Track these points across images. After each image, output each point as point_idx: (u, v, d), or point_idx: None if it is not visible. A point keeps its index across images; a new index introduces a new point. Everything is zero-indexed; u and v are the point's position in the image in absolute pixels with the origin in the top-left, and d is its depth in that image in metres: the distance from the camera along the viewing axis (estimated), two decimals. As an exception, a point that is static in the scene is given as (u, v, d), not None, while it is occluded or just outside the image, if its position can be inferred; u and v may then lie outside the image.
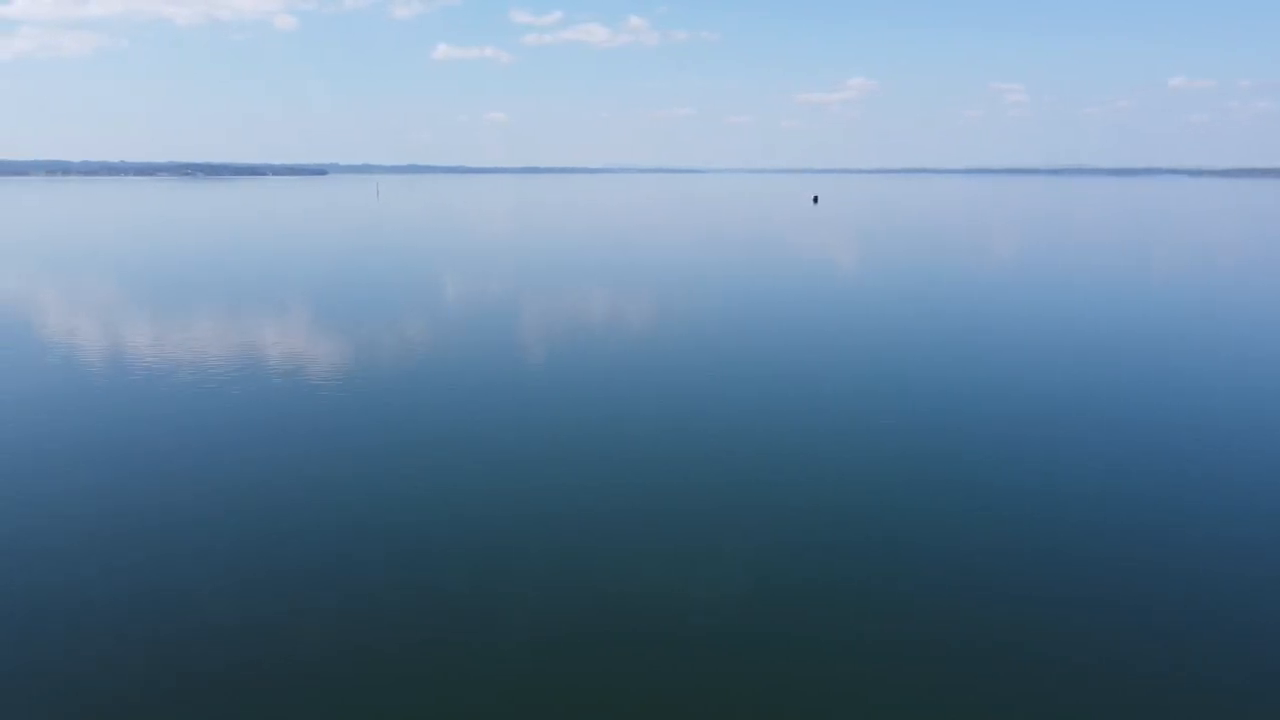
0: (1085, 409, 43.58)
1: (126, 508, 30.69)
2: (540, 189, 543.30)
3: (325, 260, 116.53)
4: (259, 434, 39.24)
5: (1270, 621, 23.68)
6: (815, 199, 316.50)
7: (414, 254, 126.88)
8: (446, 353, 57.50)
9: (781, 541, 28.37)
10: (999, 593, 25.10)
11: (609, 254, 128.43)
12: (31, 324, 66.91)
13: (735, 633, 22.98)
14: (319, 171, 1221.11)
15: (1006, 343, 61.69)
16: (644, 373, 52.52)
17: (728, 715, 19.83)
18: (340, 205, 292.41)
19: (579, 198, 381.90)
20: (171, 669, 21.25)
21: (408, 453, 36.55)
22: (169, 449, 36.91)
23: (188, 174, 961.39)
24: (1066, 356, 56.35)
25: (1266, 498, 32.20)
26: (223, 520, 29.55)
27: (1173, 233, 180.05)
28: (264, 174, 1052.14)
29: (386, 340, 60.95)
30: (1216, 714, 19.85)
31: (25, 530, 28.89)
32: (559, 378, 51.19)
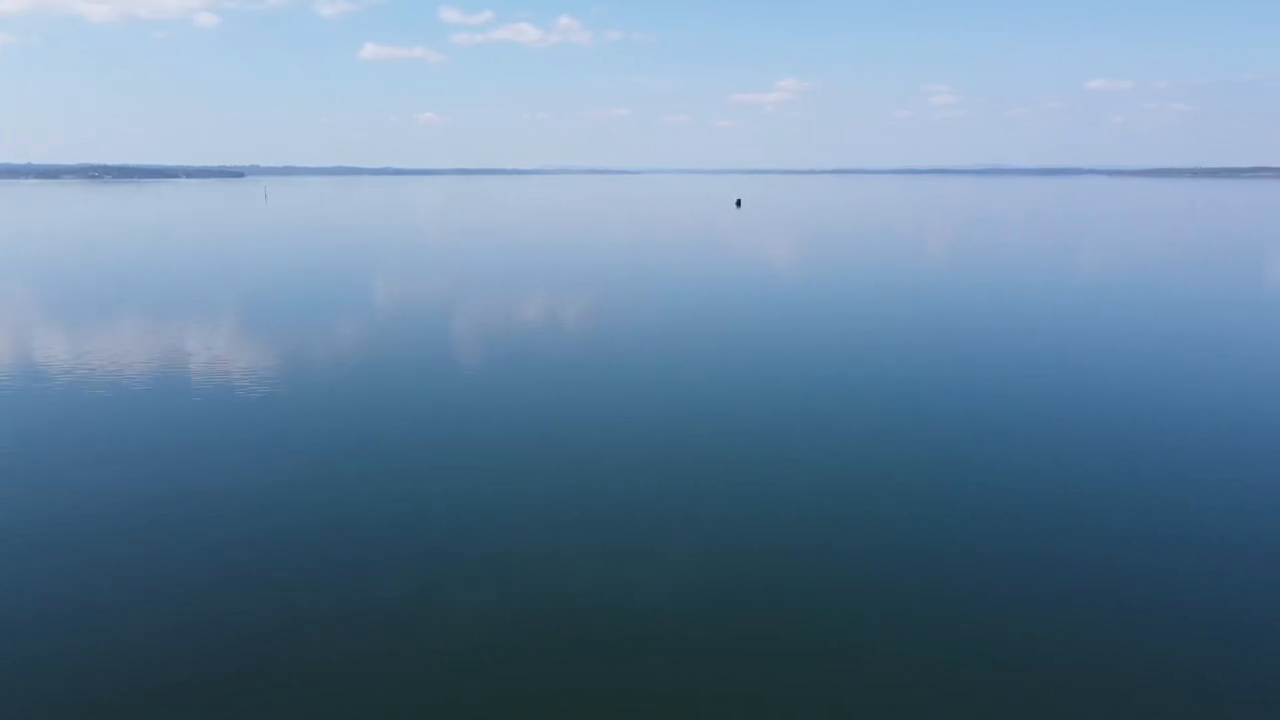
0: (1062, 404, 43.47)
1: (75, 516, 29.77)
2: (460, 190, 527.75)
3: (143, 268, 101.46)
4: (202, 441, 37.77)
5: (1272, 622, 23.12)
6: (738, 202, 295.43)
7: (244, 264, 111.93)
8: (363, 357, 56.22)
9: (759, 544, 27.69)
10: (984, 594, 24.61)
11: (487, 258, 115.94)
12: None
13: (717, 636, 22.51)
14: (236, 174, 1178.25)
15: (980, 342, 60.64)
16: (582, 372, 51.39)
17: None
18: (218, 210, 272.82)
19: (499, 199, 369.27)
20: (161, 672, 20.94)
21: (376, 458, 35.69)
22: (109, 459, 35.65)
23: (95, 176, 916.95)
24: (1037, 353, 56.03)
25: (1259, 495, 31.61)
26: (198, 526, 28.93)
27: (1120, 231, 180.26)
28: (177, 176, 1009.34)
29: (290, 346, 59.08)
30: (1214, 715, 19.47)
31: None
32: (506, 380, 49.60)
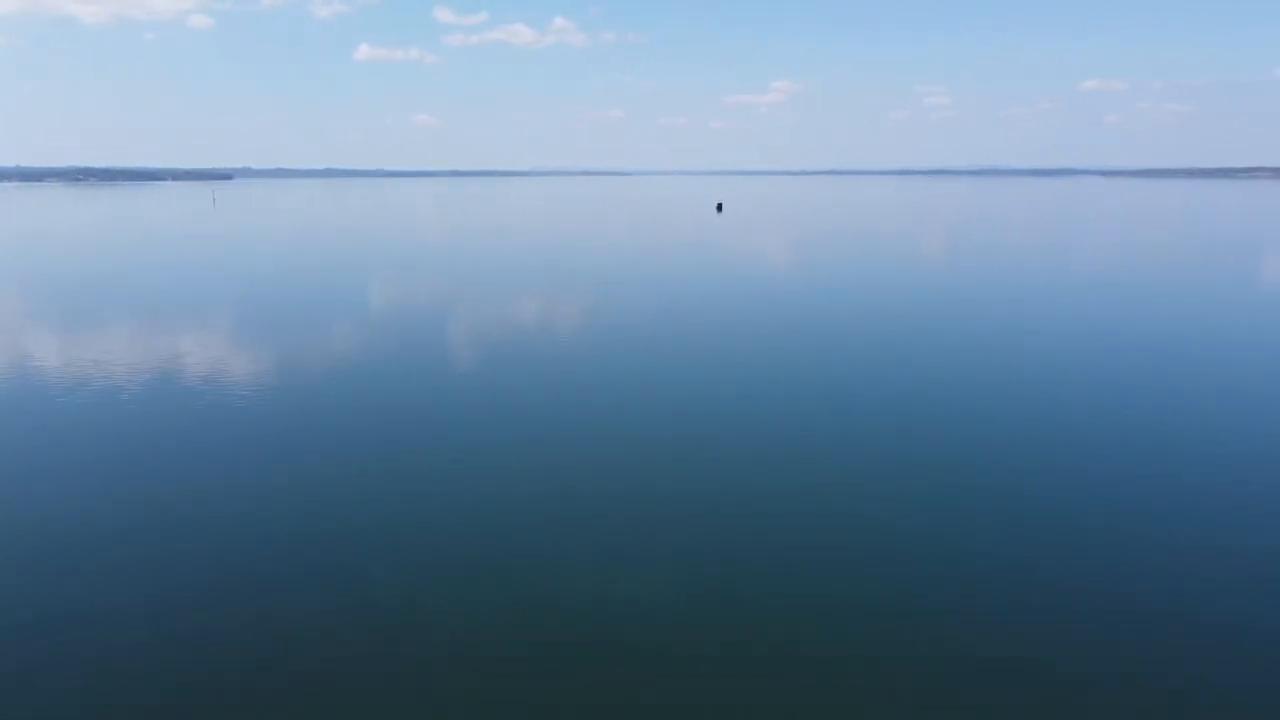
0: (1066, 406, 42.47)
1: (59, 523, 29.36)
2: (446, 193, 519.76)
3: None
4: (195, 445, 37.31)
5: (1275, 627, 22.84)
6: (719, 207, 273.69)
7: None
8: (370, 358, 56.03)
9: (762, 547, 27.26)
10: (988, 596, 24.14)
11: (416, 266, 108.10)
12: None
13: (719, 640, 22.16)
14: (225, 176, 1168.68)
15: (981, 343, 59.66)
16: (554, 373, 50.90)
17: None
18: (155, 216, 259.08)
19: (484, 201, 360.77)
20: (163, 675, 20.80)
21: (372, 462, 35.10)
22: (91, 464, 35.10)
23: (79, 179, 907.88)
24: (1038, 355, 54.63)
25: (1266, 498, 31.00)
26: (196, 530, 28.59)
27: (1119, 231, 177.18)
28: (163, 179, 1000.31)
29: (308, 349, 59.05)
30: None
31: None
32: (499, 384, 48.63)
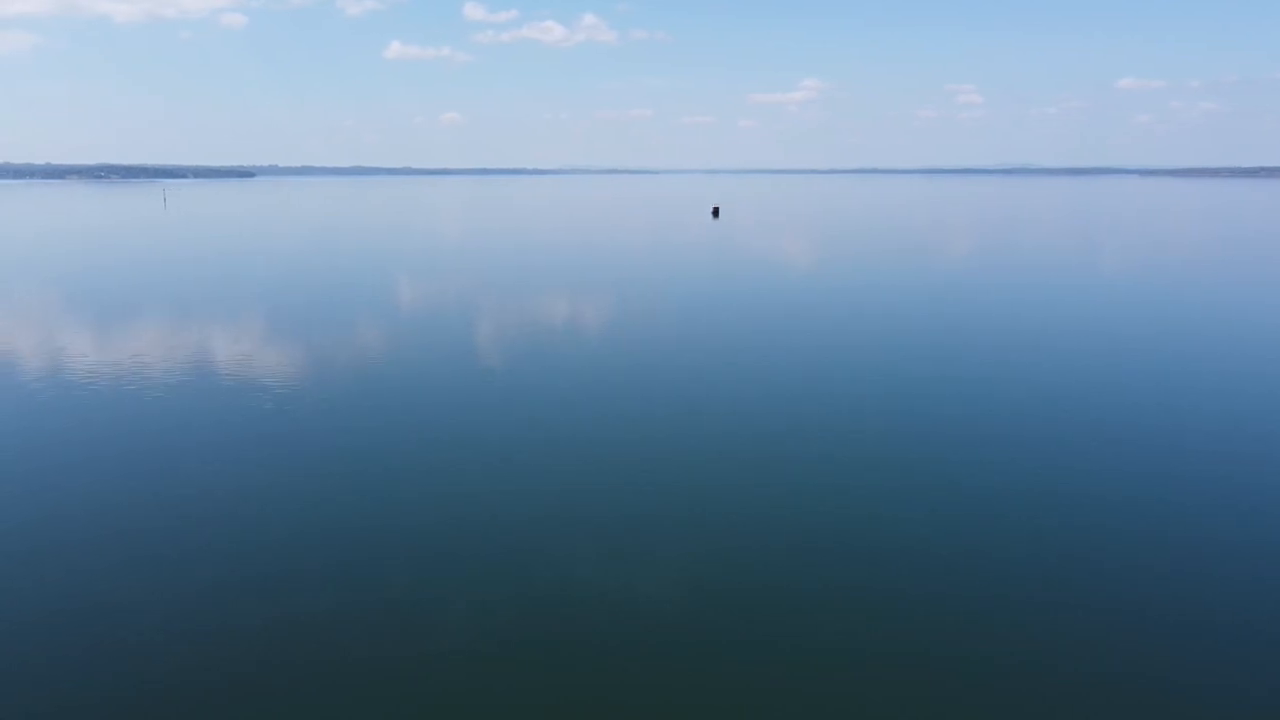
0: (1069, 408, 42.40)
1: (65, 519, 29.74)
2: (457, 192, 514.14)
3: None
4: (212, 444, 37.49)
5: (1273, 626, 23.03)
6: (715, 211, 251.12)
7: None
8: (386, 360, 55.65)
9: (766, 546, 27.59)
10: (992, 597, 24.34)
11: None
12: None
13: (722, 638, 22.39)
14: (247, 174, 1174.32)
15: (987, 343, 59.72)
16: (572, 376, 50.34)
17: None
18: (97, 219, 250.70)
19: (485, 202, 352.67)
20: (168, 673, 20.91)
21: (378, 462, 35.32)
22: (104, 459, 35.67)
23: (101, 176, 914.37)
24: (1048, 357, 54.33)
25: (1263, 498, 31.46)
26: (202, 529, 28.78)
27: (1145, 230, 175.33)
28: (185, 176, 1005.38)
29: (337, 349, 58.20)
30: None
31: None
32: (520, 381, 49.01)
